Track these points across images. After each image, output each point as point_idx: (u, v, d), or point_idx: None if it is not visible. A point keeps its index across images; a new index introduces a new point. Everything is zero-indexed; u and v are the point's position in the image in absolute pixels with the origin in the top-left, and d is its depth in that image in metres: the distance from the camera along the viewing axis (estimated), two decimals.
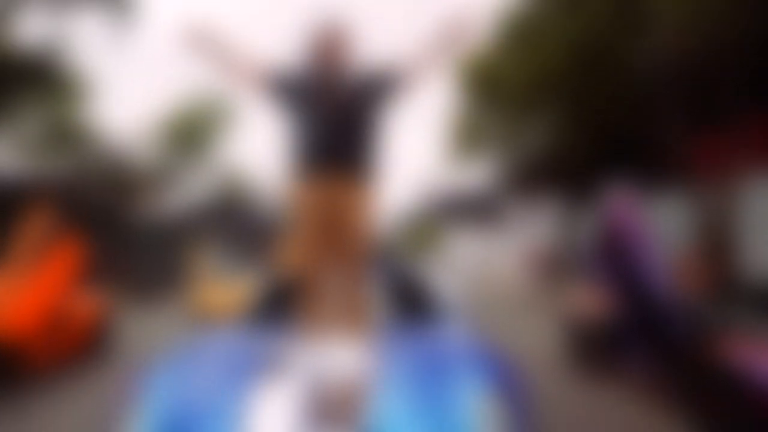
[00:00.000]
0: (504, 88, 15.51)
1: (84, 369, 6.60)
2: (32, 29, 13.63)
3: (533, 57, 13.49)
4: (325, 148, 2.93)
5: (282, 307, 3.31)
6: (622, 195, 5.04)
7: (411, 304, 3.39)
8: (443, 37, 2.99)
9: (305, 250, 3.00)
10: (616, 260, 5.13)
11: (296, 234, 3.04)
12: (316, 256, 2.96)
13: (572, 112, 14.34)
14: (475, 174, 26.28)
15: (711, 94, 9.83)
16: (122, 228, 16.24)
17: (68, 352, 6.59)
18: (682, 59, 9.97)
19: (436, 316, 3.34)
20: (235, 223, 23.10)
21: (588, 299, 6.56)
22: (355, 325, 2.85)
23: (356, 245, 2.99)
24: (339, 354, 2.54)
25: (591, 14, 11.85)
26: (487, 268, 25.26)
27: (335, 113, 2.95)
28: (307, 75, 3.02)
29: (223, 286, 10.21)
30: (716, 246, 9.83)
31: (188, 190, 24.86)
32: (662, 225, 10.36)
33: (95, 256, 7.39)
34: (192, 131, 24.36)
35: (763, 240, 9.21)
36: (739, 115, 9.46)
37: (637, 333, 5.02)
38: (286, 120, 3.05)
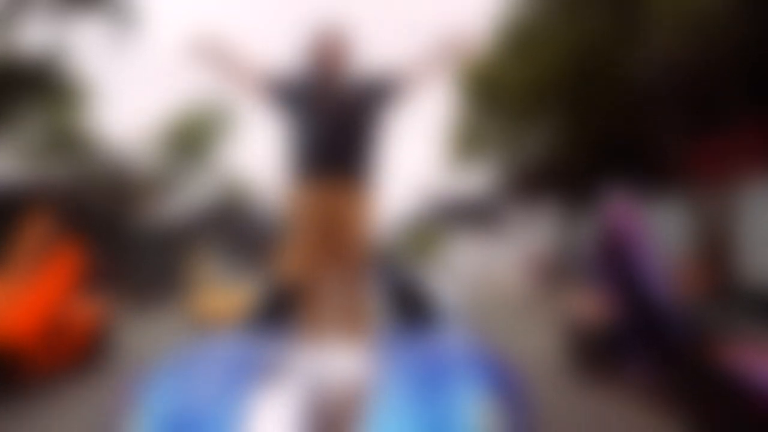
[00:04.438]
0: (503, 94, 15.57)
1: (83, 374, 6.60)
2: (34, 36, 13.70)
3: (532, 64, 13.55)
4: (324, 154, 2.94)
5: (281, 312, 3.31)
6: (621, 200, 5.05)
7: (410, 309, 3.40)
8: (442, 46, 3.01)
9: (304, 255, 3.00)
10: (615, 264, 5.14)
11: (295, 239, 3.04)
12: (314, 261, 2.96)
13: (571, 119, 14.39)
14: (475, 179, 26.32)
15: (709, 100, 9.88)
16: (122, 234, 16.25)
17: (67, 357, 6.59)
18: (680, 66, 10.03)
19: (435, 322, 3.35)
20: (235, 228, 23.13)
21: (588, 303, 6.57)
22: (354, 330, 2.85)
23: (355, 250, 2.99)
24: (338, 359, 2.54)
25: (589, 22, 11.93)
26: (487, 272, 25.26)
27: (334, 119, 2.95)
28: (307, 80, 3.03)
29: (223, 292, 10.20)
30: (715, 250, 9.86)
31: (188, 196, 24.90)
32: (661, 230, 10.39)
33: (95, 261, 7.40)
34: (192, 137, 24.46)
35: (761, 244, 9.23)
36: (736, 120, 9.50)
37: (636, 337, 5.03)
38: (286, 125, 3.06)
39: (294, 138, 3.02)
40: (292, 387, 2.35)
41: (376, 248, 3.22)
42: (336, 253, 2.96)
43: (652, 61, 10.54)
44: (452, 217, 31.57)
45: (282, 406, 2.27)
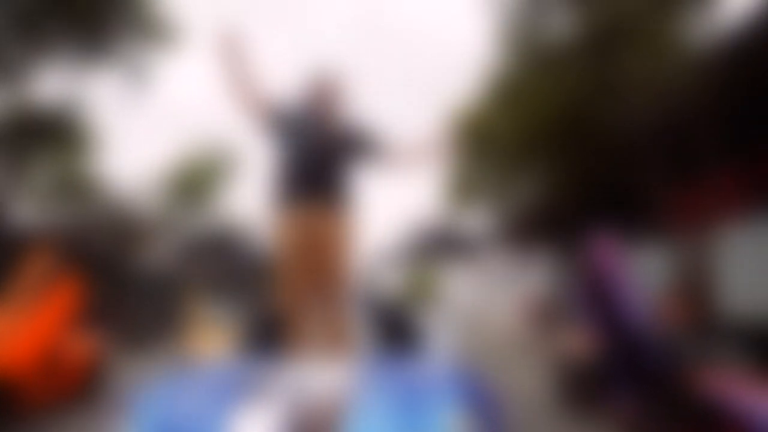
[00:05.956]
0: (494, 143, 16.04)
1: (78, 408, 6.62)
2: (49, 86, 14.13)
3: (521, 115, 14.01)
4: (306, 180, 3.15)
5: (267, 337, 3.39)
6: (605, 240, 5.23)
7: (393, 335, 3.50)
8: (431, 146, 3.28)
9: (288, 281, 3.13)
10: (599, 302, 5.27)
11: (280, 265, 3.18)
12: (297, 286, 3.09)
13: (560, 167, 14.78)
14: (470, 222, 26.56)
15: (688, 148, 10.25)
16: (120, 274, 16.31)
17: (62, 391, 6.62)
18: (660, 116, 10.43)
19: (417, 347, 3.44)
20: (229, 266, 23.18)
21: (578, 341, 6.68)
22: (337, 352, 2.96)
23: (337, 276, 3.13)
24: (319, 377, 2.63)
25: (574, 76, 12.41)
26: (481, 312, 25.19)
27: (320, 151, 3.19)
28: (302, 115, 3.28)
29: (217, 333, 10.20)
30: (695, 288, 10.07)
31: (185, 237, 25.16)
32: (645, 269, 10.60)
33: (93, 298, 7.51)
34: (193, 183, 25.08)
35: (738, 282, 9.45)
36: (713, 167, 9.85)
37: (620, 369, 5.12)
38: (276, 152, 3.27)
39: (281, 165, 3.22)
40: (274, 403, 2.41)
41: (359, 275, 3.39)
42: (318, 277, 3.09)
43: (633, 113, 10.96)
44: (447, 257, 31.66)
45: (264, 422, 2.33)
